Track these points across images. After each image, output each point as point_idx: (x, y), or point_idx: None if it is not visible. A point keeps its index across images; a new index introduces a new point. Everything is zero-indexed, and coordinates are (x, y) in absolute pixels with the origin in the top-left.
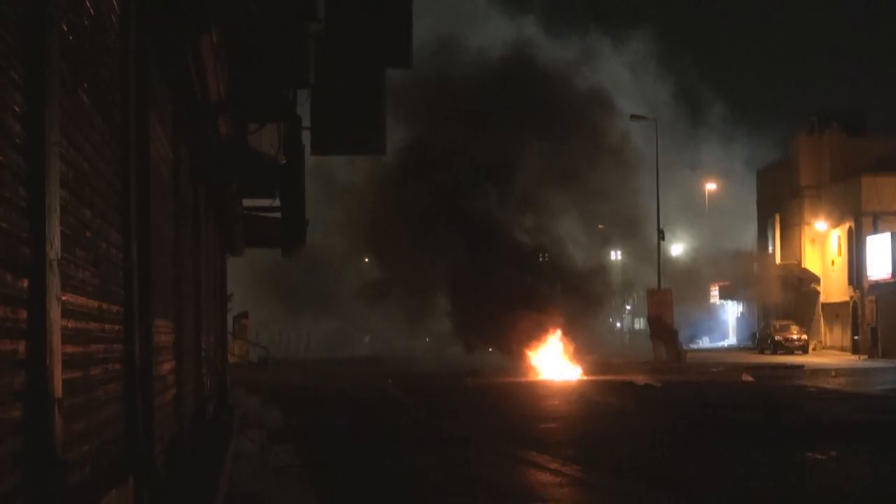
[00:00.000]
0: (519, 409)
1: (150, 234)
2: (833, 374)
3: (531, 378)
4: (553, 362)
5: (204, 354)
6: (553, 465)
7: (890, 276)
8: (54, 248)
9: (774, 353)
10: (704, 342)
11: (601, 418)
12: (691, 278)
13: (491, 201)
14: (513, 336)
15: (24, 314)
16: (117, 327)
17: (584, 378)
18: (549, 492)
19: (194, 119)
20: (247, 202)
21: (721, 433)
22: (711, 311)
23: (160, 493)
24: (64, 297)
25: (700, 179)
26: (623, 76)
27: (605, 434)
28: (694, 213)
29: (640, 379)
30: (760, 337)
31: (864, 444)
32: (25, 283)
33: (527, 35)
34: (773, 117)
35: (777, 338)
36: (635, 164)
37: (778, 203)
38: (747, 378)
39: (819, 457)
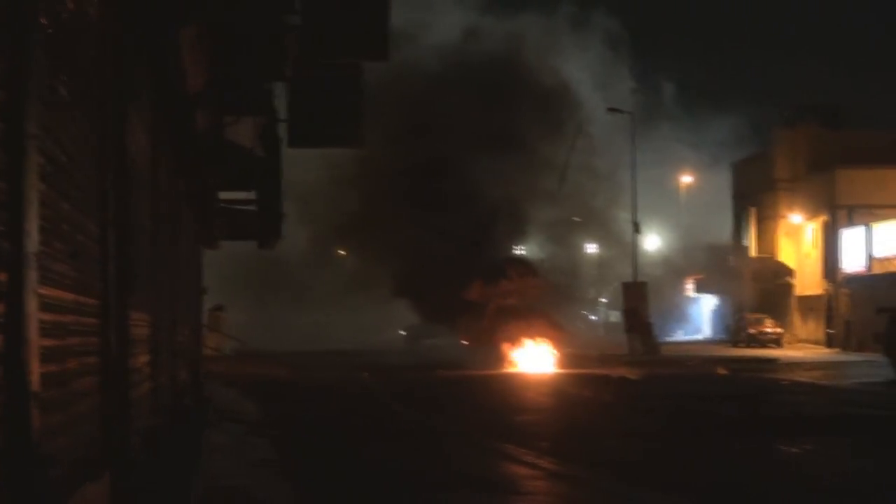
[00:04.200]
0: (494, 401)
1: (128, 226)
2: (807, 367)
3: (506, 370)
4: (528, 355)
5: (179, 347)
6: (528, 458)
7: (864, 269)
8: (32, 241)
9: (749, 346)
10: (679, 335)
11: (576, 411)
12: (667, 271)
13: (462, 196)
14: (487, 328)
15: (1, 308)
16: (94, 320)
17: (559, 371)
18: (524, 484)
19: (172, 112)
20: (224, 195)
21: (696, 426)
22: (686, 305)
23: (137, 486)
24: (41, 291)
25: (676, 172)
26: (598, 68)
27: (580, 427)
28: (669, 207)
29: (615, 372)
30: (735, 330)
31: (839, 436)
32: (4, 277)
33: (495, 26)
34: (750, 111)
35: (751, 331)
36: (608, 155)
37: (754, 196)
38: (722, 371)
39: (794, 450)
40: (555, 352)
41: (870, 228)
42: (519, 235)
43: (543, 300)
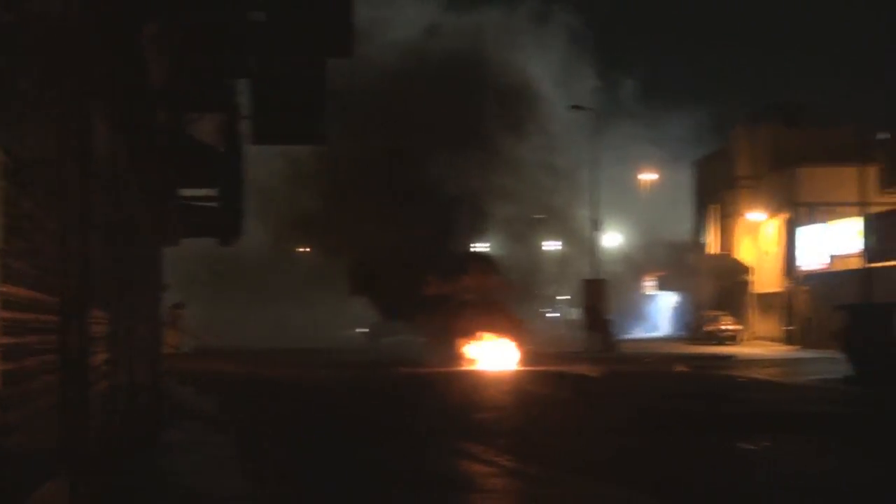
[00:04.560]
0: (454, 399)
1: (89, 224)
2: (765, 364)
3: (466, 368)
4: (488, 352)
5: (138, 345)
6: (487, 456)
7: (823, 266)
8: None
9: (707, 343)
10: (638, 332)
11: (536, 409)
12: (627, 269)
13: (421, 191)
14: (447, 325)
15: None
16: (53, 318)
17: (519, 368)
18: (483, 482)
19: (134, 108)
20: (185, 192)
21: (655, 423)
22: (646, 302)
23: (96, 484)
24: (3, 289)
25: (637, 170)
26: (559, 65)
27: (539, 425)
28: (630, 204)
29: (574, 369)
30: (693, 327)
31: (797, 433)
32: None
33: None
34: (712, 108)
35: (709, 328)
36: (569, 151)
37: (715, 194)
38: (681, 368)
39: (753, 447)
40: (515, 349)
41: (828, 226)
42: (479, 231)
43: (504, 297)
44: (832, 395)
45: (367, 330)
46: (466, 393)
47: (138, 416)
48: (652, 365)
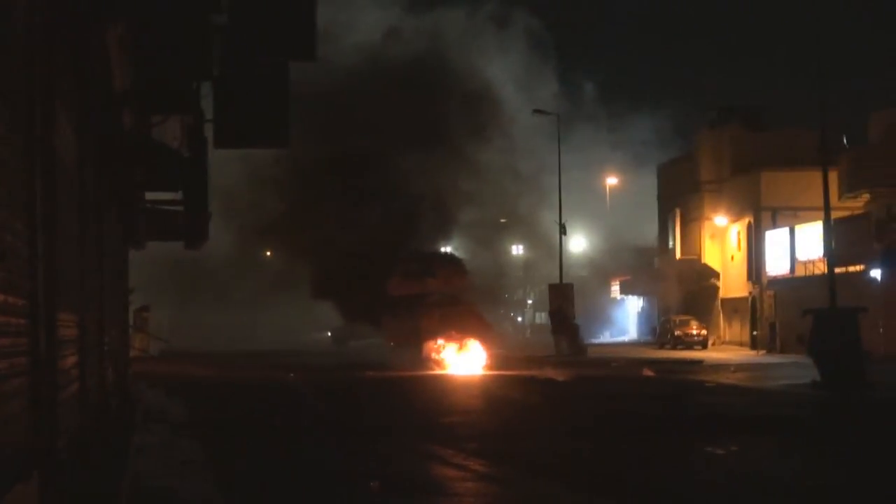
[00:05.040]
0: (421, 403)
1: (56, 226)
2: (732, 369)
3: (433, 372)
4: (456, 356)
5: (107, 348)
6: (456, 460)
7: (788, 271)
8: None
9: (674, 347)
10: (605, 337)
11: (504, 413)
12: (593, 273)
13: (384, 193)
14: (414, 329)
15: None
16: (23, 321)
17: (487, 372)
18: (453, 486)
19: (99, 111)
20: (151, 195)
21: (622, 427)
22: (612, 306)
23: (65, 487)
24: None
25: (601, 174)
26: (521, 69)
27: (507, 428)
28: (595, 208)
29: (541, 373)
30: (660, 332)
31: (764, 437)
32: None
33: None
34: (676, 112)
35: (677, 333)
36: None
37: (679, 198)
38: (648, 373)
39: (720, 451)
40: (483, 353)
41: (793, 230)
42: (443, 233)
43: (471, 298)
44: (798, 399)
45: (331, 333)
46: (435, 397)
47: (108, 419)
48: (619, 369)
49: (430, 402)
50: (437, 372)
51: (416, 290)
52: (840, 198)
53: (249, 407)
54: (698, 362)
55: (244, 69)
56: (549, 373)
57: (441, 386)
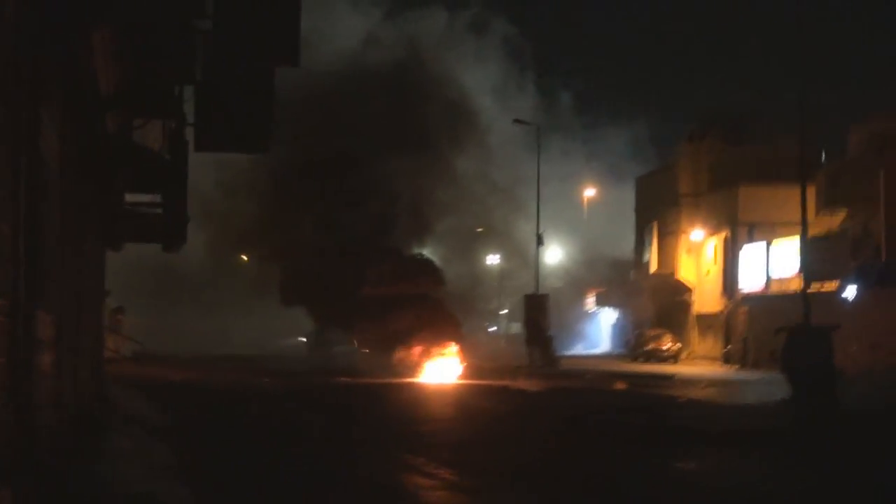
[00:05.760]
0: (394, 411)
1: (39, 227)
2: (703, 384)
3: (407, 380)
4: (430, 364)
5: (83, 349)
6: (429, 469)
7: (762, 288)
8: None
9: (647, 361)
10: (579, 348)
11: (476, 422)
12: (568, 284)
13: (362, 210)
14: (388, 335)
15: None
16: (2, 319)
17: (461, 381)
18: (425, 494)
19: (83, 114)
20: (130, 197)
21: (594, 439)
22: (587, 318)
23: (41, 489)
24: None
25: (580, 185)
26: (500, 79)
27: (479, 438)
28: (573, 219)
29: (515, 384)
30: (633, 345)
31: (736, 451)
32: None
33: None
34: (655, 124)
35: (650, 346)
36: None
37: (656, 211)
38: (620, 386)
39: (692, 464)
40: (457, 361)
41: (769, 246)
42: (418, 240)
43: (446, 304)
44: (770, 415)
45: (305, 339)
46: (408, 405)
47: (83, 421)
48: (592, 381)
49: (402, 411)
50: (412, 380)
51: (391, 293)
52: (817, 213)
53: (223, 411)
54: (670, 377)
55: (228, 74)
56: (522, 383)
57: (413, 395)
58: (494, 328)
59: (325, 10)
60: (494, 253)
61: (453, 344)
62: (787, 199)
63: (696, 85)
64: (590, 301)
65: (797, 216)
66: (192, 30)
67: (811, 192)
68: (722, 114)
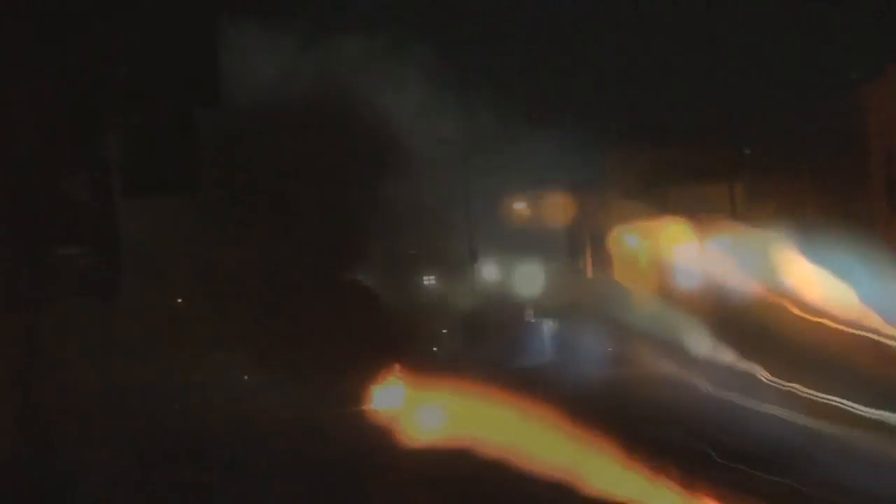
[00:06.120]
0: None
1: None
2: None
3: (352, 408)
4: (373, 391)
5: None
6: None
7: (697, 287)
8: None
9: None
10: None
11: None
12: (507, 300)
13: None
14: (327, 362)
15: None
16: None
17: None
18: None
19: (5, 170)
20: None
21: None
22: (530, 330)
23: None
24: None
25: (510, 199)
26: (421, 99)
27: None
28: (506, 234)
29: None
30: None
31: None
32: None
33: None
34: (585, 132)
35: None
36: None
37: (590, 218)
38: None
39: None
40: (401, 387)
41: (702, 245)
42: (351, 267)
43: (387, 330)
44: None
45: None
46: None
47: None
48: None
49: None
50: (356, 408)
51: (329, 322)
52: (748, 210)
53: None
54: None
55: (147, 118)
56: None
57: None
58: (435, 349)
59: (246, 47)
60: (430, 273)
61: (395, 370)
62: (716, 197)
63: (628, 88)
64: (530, 314)
65: (728, 214)
66: (109, 75)
67: (739, 190)
68: (649, 118)
